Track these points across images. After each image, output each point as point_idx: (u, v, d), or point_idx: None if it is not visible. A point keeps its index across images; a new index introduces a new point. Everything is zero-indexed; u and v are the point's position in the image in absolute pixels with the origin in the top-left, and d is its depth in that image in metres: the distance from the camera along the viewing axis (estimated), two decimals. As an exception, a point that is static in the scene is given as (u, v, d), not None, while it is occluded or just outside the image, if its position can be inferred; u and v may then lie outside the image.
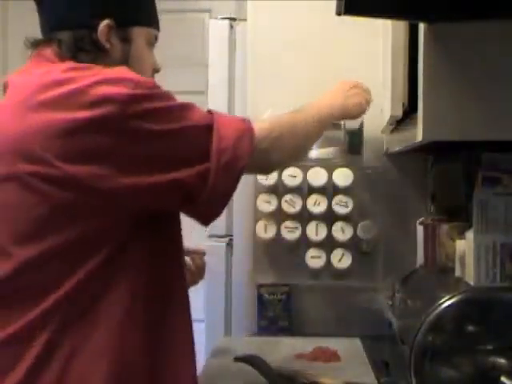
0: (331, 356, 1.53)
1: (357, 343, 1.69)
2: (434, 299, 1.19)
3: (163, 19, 1.29)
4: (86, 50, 1.18)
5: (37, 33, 1.23)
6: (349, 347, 1.63)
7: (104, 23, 1.17)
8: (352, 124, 1.83)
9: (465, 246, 1.29)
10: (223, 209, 1.14)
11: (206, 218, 1.15)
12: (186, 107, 1.11)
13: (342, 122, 1.81)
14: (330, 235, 1.79)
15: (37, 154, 1.01)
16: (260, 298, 1.84)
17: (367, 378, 1.38)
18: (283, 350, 1.62)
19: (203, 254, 1.42)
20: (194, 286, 1.37)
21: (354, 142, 1.83)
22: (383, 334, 1.57)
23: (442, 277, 1.46)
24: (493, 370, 1.14)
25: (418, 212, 1.84)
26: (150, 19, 1.26)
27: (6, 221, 1.06)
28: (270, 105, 1.82)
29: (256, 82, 1.89)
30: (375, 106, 1.85)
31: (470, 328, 1.18)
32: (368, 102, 1.57)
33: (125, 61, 1.20)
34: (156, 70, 1.27)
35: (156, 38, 1.26)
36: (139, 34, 1.24)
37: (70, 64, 1.14)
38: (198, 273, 1.40)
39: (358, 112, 1.55)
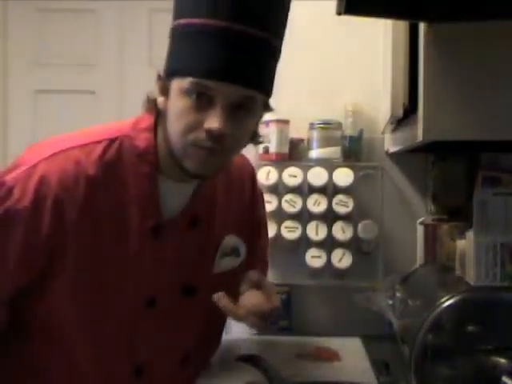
0: (332, 356, 1.54)
1: (357, 343, 1.69)
2: (434, 299, 1.19)
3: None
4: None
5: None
6: (349, 347, 1.64)
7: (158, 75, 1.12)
8: (352, 131, 1.83)
9: (465, 245, 1.29)
10: None
11: None
12: None
13: (343, 127, 1.81)
14: (330, 235, 1.79)
15: None
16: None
17: (367, 378, 1.38)
18: (284, 349, 1.62)
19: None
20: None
21: (353, 148, 1.83)
22: (383, 334, 1.57)
23: (442, 277, 1.46)
24: (493, 369, 1.14)
25: (418, 212, 1.84)
26: (184, 67, 1.07)
27: None
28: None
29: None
30: (375, 106, 1.85)
31: (470, 328, 1.18)
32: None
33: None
34: (208, 131, 1.05)
35: (204, 87, 1.04)
36: (175, 85, 1.09)
37: None
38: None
39: None
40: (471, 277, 1.23)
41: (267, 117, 1.80)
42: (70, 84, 3.14)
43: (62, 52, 3.14)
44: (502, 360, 1.14)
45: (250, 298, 1.21)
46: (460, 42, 1.09)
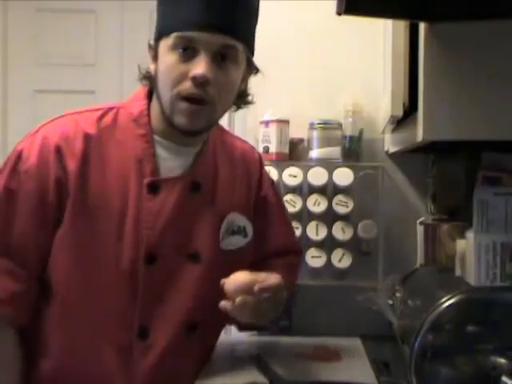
0: (332, 356, 1.53)
1: (357, 343, 1.69)
2: (434, 299, 1.19)
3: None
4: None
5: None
6: (349, 347, 1.63)
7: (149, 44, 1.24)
8: (352, 131, 1.83)
9: (465, 245, 1.29)
10: None
11: None
12: None
13: (343, 128, 1.81)
14: (330, 235, 1.79)
15: None
16: (260, 297, 1.84)
17: (367, 378, 1.38)
18: (284, 349, 1.62)
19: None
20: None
21: (353, 148, 1.83)
22: (383, 334, 1.57)
23: (442, 277, 1.46)
24: (493, 369, 1.14)
25: (418, 212, 1.84)
26: (169, 25, 1.18)
27: None
28: (269, 106, 1.82)
29: (256, 82, 1.89)
30: (375, 106, 1.85)
31: (470, 328, 1.18)
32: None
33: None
34: (193, 78, 1.15)
35: (187, 40, 1.15)
36: (163, 45, 1.20)
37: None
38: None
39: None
40: (471, 277, 1.23)
41: (267, 117, 1.81)
42: (70, 84, 3.15)
43: (61, 52, 3.14)
44: (502, 360, 1.14)
45: (236, 278, 1.20)
46: (460, 42, 1.09)
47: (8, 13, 3.15)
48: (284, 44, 1.88)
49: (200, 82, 1.14)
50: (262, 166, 1.47)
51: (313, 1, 1.84)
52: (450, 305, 1.16)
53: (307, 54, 1.88)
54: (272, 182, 1.52)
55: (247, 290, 1.17)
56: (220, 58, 1.17)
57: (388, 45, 1.51)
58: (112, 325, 1.23)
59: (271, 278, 1.20)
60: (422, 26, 1.11)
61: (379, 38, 1.80)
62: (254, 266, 1.32)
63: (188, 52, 1.15)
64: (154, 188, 1.23)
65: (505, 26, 1.07)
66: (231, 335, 1.78)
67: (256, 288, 1.16)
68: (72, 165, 1.20)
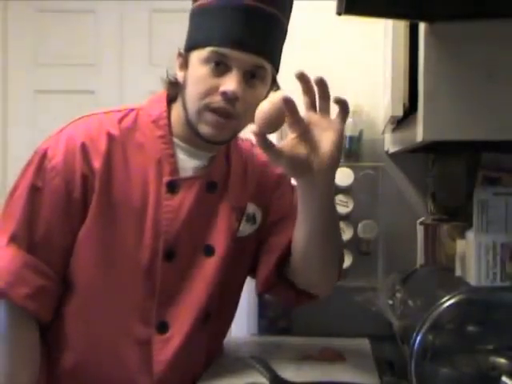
0: (336, 356, 1.53)
1: (362, 343, 1.68)
2: (434, 299, 1.19)
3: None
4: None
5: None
6: (353, 347, 1.63)
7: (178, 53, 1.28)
8: (352, 131, 1.83)
9: (465, 246, 1.29)
10: None
11: None
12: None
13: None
14: (330, 235, 1.79)
15: None
16: (260, 298, 1.84)
17: (371, 378, 1.38)
18: (287, 350, 1.61)
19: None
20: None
21: (353, 148, 1.83)
22: (386, 334, 1.57)
23: (442, 277, 1.46)
24: (493, 369, 1.14)
25: (418, 212, 1.84)
26: (204, 38, 1.21)
27: None
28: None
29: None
30: (375, 107, 1.85)
31: (470, 328, 1.18)
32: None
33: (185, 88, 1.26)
34: (223, 93, 1.19)
35: (222, 55, 1.19)
36: (195, 56, 1.24)
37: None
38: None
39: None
40: (471, 277, 1.23)
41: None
42: (70, 84, 3.15)
43: (62, 52, 3.14)
44: (502, 360, 1.14)
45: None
46: (460, 41, 1.09)
47: (8, 13, 3.15)
48: (284, 44, 1.88)
49: (230, 98, 1.19)
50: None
51: (313, 1, 1.84)
52: (450, 305, 1.16)
53: (307, 54, 1.88)
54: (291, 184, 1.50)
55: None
56: (250, 76, 1.22)
57: (388, 45, 1.52)
58: (132, 319, 1.27)
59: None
60: (421, 26, 1.11)
61: (379, 38, 1.80)
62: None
63: (220, 67, 1.20)
64: (173, 187, 1.27)
65: (505, 25, 1.07)
66: (232, 335, 1.78)
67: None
68: (97, 162, 1.25)
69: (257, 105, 1.17)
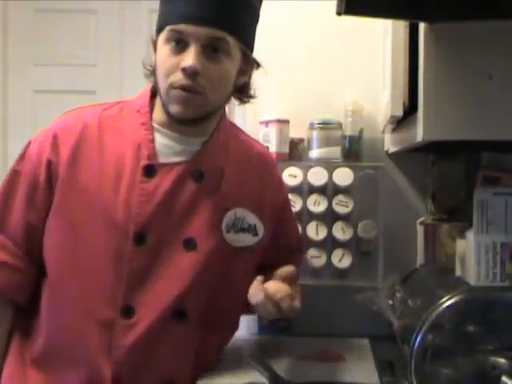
0: (336, 357, 1.53)
1: (362, 343, 1.68)
2: (434, 299, 1.19)
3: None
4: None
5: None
6: (354, 347, 1.63)
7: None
8: (352, 130, 1.83)
9: (465, 245, 1.29)
10: None
11: None
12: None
13: (343, 127, 1.81)
14: (330, 235, 1.79)
15: None
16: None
17: (371, 378, 1.38)
18: (287, 350, 1.61)
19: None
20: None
21: (353, 148, 1.83)
22: (386, 334, 1.57)
23: (442, 277, 1.46)
24: (493, 369, 1.14)
25: (418, 212, 1.84)
26: (165, 19, 1.26)
27: None
28: (269, 107, 1.82)
29: (256, 82, 1.89)
30: (375, 106, 1.85)
31: (470, 328, 1.18)
32: None
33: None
34: (183, 70, 1.22)
35: (178, 32, 1.22)
36: (160, 39, 1.27)
37: None
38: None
39: None
40: (471, 277, 1.23)
41: (267, 117, 1.81)
42: (70, 84, 3.15)
43: (62, 52, 3.15)
44: (502, 360, 1.14)
45: (273, 286, 1.27)
46: (460, 42, 1.09)
47: (8, 13, 3.16)
48: (284, 44, 1.88)
49: (189, 73, 1.21)
50: (276, 168, 1.54)
51: (313, 1, 1.84)
52: (450, 305, 1.16)
53: (307, 53, 1.88)
54: (287, 196, 1.60)
55: (275, 302, 1.24)
56: (212, 51, 1.23)
57: (388, 45, 1.52)
58: (98, 301, 1.27)
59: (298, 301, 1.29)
60: (421, 26, 1.11)
61: (379, 38, 1.80)
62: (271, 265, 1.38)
63: (180, 45, 1.22)
64: (149, 171, 1.28)
65: (505, 25, 1.07)
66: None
67: (285, 307, 1.24)
68: (65, 150, 1.29)
69: (224, 79, 1.25)
